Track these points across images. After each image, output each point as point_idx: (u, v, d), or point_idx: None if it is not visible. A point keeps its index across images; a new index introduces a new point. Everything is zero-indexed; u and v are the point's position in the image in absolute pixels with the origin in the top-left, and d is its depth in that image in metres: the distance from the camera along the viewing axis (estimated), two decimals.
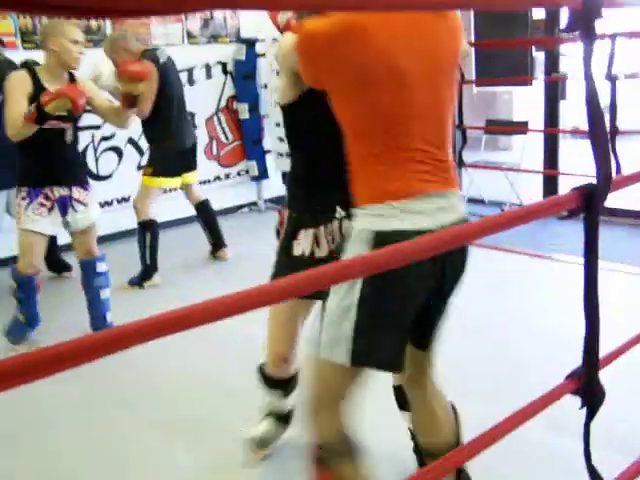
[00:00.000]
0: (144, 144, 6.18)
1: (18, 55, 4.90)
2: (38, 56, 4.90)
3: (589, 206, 1.52)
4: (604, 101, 6.41)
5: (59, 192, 3.68)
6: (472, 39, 6.94)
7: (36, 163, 3.62)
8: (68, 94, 3.31)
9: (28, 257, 3.67)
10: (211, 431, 2.94)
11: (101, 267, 3.91)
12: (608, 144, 1.56)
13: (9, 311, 3.89)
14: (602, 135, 1.55)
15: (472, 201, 6.66)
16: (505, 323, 3.85)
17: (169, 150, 4.90)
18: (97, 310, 3.93)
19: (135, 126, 6.00)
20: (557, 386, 1.61)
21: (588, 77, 1.49)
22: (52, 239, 5.15)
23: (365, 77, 1.72)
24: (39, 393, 2.79)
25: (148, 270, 4.87)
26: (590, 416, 1.71)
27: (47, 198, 3.64)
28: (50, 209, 3.65)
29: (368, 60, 1.70)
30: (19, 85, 3.48)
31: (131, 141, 6.12)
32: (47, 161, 3.63)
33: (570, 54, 7.30)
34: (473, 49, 6.95)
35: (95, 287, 3.91)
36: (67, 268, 5.25)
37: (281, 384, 2.65)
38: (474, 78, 7.09)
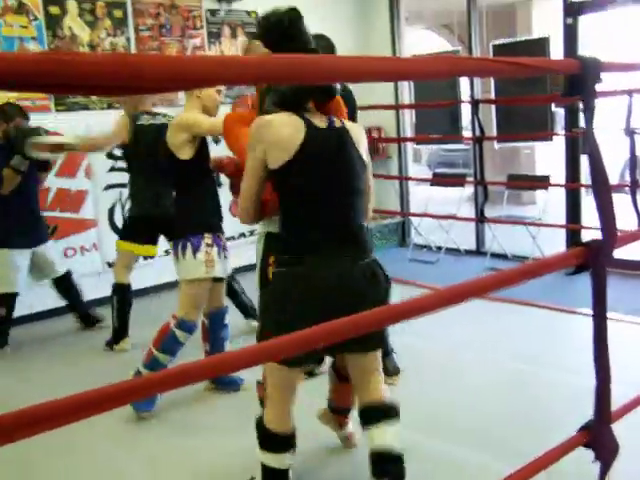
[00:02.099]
0: None
1: (51, 118, 5.09)
2: (70, 119, 5.11)
3: (595, 261, 1.57)
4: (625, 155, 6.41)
5: (223, 238, 3.72)
6: (492, 95, 7.06)
7: (211, 209, 3.68)
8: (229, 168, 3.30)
9: (201, 305, 3.66)
10: None
11: (226, 319, 3.89)
12: (612, 200, 1.61)
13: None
14: (606, 191, 1.60)
15: (495, 256, 6.68)
16: (529, 375, 3.84)
17: (134, 214, 4.72)
18: None
19: None
20: (568, 439, 1.63)
21: (590, 137, 1.56)
22: (78, 293, 5.17)
23: None
24: None
25: (117, 334, 4.68)
26: (604, 469, 1.72)
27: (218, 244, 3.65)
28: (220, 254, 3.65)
29: None
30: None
31: None
32: (216, 207, 3.73)
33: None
34: (493, 106, 7.07)
35: (221, 338, 3.85)
36: (98, 320, 5.26)
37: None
38: (495, 134, 7.17)
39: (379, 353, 2.49)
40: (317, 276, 2.23)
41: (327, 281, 2.23)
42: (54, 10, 5.48)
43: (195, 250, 3.53)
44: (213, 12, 6.54)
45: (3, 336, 4.84)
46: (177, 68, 0.90)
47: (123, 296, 4.65)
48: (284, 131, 2.18)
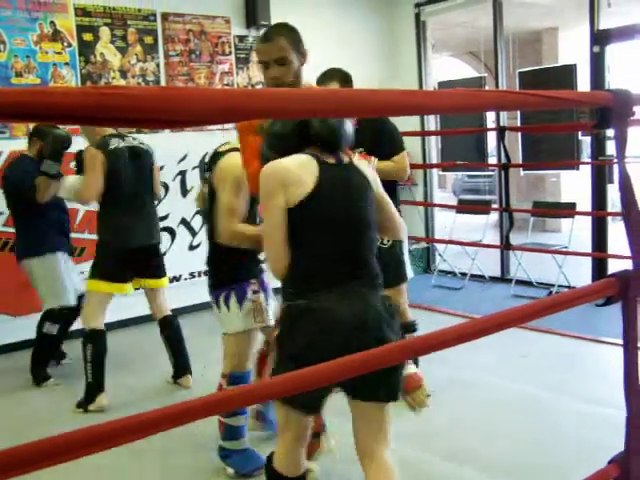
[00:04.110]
0: (196, 224, 6.36)
1: (83, 140, 5.15)
2: None
3: (626, 292, 1.57)
4: None
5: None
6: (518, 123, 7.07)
7: (252, 253, 3.17)
8: None
9: (249, 355, 3.24)
10: None
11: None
12: None
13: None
14: (637, 220, 1.60)
15: (520, 282, 6.64)
16: (552, 403, 3.80)
17: (110, 250, 4.21)
18: None
19: (188, 206, 6.21)
20: (598, 472, 1.61)
21: (621, 168, 1.56)
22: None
23: None
24: None
25: (91, 390, 4.04)
26: None
27: None
28: None
29: None
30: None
31: (184, 221, 6.30)
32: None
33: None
34: (519, 133, 7.07)
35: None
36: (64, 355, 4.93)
37: None
38: (520, 161, 7.16)
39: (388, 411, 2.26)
40: (332, 310, 2.15)
41: (343, 317, 2.13)
42: (87, 37, 5.60)
43: (241, 299, 3.13)
44: (241, 38, 6.62)
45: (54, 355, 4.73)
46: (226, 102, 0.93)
47: (99, 344, 4.09)
48: (300, 170, 2.19)
